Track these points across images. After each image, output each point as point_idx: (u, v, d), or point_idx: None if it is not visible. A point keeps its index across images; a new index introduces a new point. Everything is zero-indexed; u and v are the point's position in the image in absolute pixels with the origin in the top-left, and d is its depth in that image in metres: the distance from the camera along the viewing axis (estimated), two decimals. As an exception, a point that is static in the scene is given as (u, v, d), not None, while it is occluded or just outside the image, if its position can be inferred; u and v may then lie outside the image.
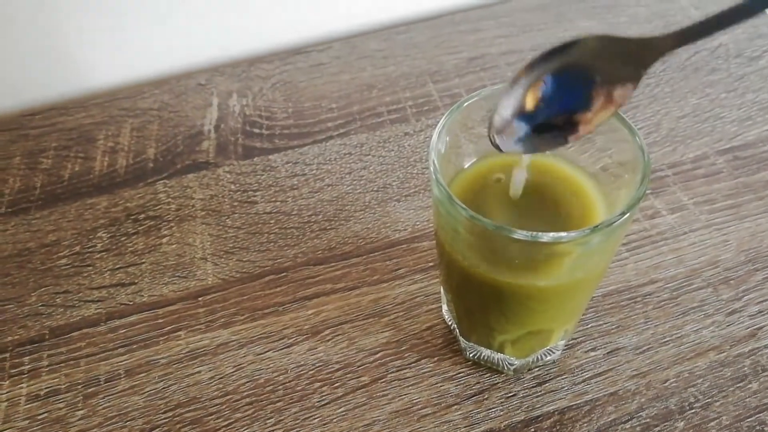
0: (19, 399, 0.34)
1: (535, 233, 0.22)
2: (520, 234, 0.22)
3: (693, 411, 0.31)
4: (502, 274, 0.25)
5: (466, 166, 0.29)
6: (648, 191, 0.39)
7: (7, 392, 0.34)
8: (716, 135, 0.43)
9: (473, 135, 0.28)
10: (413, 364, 0.34)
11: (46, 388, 0.34)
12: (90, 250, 0.41)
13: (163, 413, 0.33)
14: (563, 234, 0.22)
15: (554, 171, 0.29)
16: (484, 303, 0.28)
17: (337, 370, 0.34)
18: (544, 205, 0.27)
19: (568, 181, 0.28)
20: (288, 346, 0.35)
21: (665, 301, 0.35)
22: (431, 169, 0.25)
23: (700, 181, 0.41)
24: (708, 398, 0.32)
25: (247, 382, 0.34)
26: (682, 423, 0.31)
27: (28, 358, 0.36)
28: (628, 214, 0.23)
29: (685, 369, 0.33)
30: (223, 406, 0.33)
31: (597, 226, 0.22)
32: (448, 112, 0.26)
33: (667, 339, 0.34)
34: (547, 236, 0.22)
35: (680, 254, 0.37)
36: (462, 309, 0.31)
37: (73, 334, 0.37)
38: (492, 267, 0.25)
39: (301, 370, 0.34)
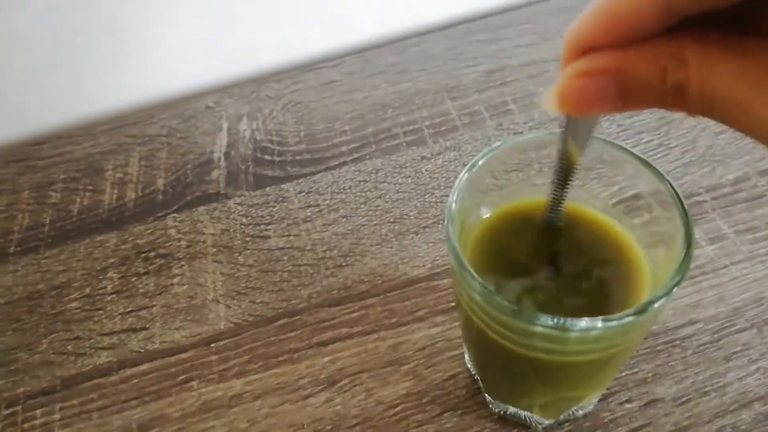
0: (32, 457, 0.33)
1: (562, 321, 0.20)
2: (547, 320, 0.20)
3: (738, 470, 0.29)
4: (526, 348, 0.23)
5: (487, 217, 0.27)
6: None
7: (19, 449, 0.34)
8: (758, 153, 0.40)
9: (492, 187, 0.26)
10: (435, 419, 0.32)
11: (58, 444, 0.34)
12: (100, 292, 0.40)
13: (176, 473, 0.32)
14: (598, 323, 0.19)
15: (586, 218, 0.26)
16: (507, 370, 0.26)
17: (355, 425, 0.32)
18: (575, 261, 0.25)
19: (603, 232, 0.26)
20: (304, 398, 0.34)
21: (705, 344, 0.33)
22: (445, 234, 0.23)
23: (741, 207, 0.38)
24: (754, 456, 0.30)
25: (262, 438, 0.33)
26: (727, 484, 0.29)
27: (40, 411, 0.35)
28: (672, 293, 0.20)
29: (728, 423, 0.31)
30: (238, 466, 0.32)
31: (638, 311, 0.20)
32: (461, 175, 0.24)
33: (709, 389, 0.32)
34: (578, 325, 0.20)
35: (721, 291, 0.35)
36: (483, 369, 0.29)
37: (85, 384, 0.36)
38: (515, 341, 0.23)
39: (318, 425, 0.33)
